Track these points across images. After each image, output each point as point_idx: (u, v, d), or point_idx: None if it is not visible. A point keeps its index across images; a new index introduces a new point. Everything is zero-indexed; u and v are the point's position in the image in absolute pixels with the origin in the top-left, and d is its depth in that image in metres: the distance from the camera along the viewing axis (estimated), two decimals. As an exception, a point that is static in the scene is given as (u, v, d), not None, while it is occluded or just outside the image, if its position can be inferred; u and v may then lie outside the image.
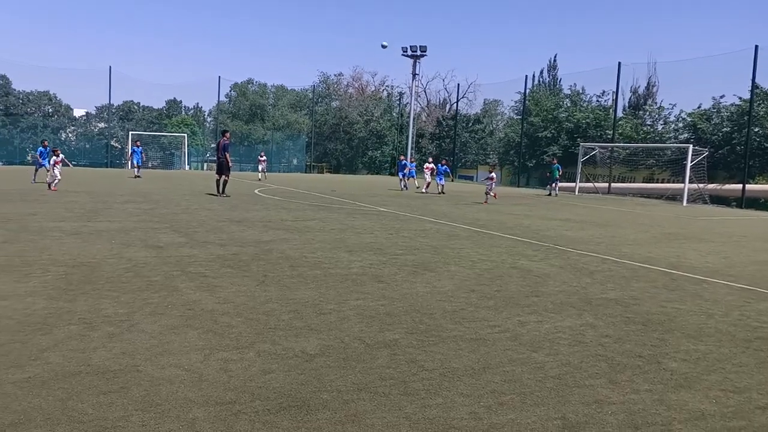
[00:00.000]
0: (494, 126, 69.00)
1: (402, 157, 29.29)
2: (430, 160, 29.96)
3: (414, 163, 28.93)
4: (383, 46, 45.61)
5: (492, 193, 22.92)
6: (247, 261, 8.13)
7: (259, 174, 32.23)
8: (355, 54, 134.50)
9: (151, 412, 3.42)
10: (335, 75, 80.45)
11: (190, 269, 7.40)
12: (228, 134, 21.19)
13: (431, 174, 28.13)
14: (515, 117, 59.77)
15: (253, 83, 79.07)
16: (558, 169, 30.14)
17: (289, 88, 79.83)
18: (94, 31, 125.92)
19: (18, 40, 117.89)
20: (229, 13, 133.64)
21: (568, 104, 50.83)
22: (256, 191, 23.28)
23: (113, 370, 4.02)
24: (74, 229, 10.50)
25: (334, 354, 4.53)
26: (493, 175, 23.75)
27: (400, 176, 29.89)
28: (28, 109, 65.65)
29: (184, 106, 78.16)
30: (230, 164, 20.25)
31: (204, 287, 6.48)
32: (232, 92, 75.10)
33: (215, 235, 10.43)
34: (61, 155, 21.58)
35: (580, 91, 51.26)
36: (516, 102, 58.84)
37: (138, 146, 31.79)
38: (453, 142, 57.00)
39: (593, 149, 36.82)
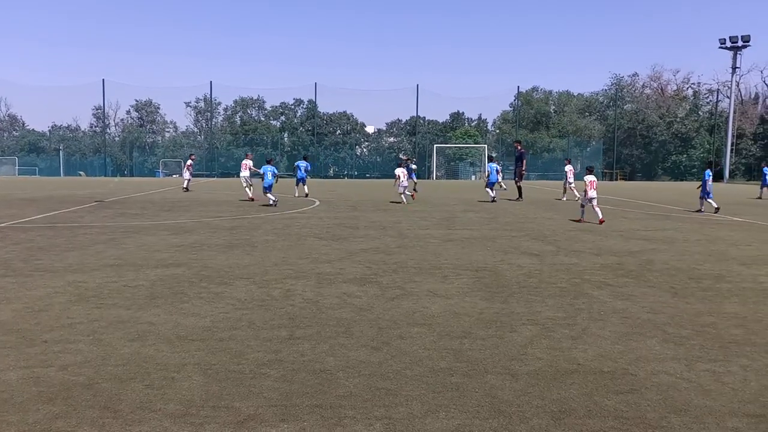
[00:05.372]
0: None
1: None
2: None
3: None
4: None
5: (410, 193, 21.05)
6: (638, 271, 8.04)
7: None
8: (652, 52, 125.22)
9: (686, 416, 3.56)
10: (629, 76, 75.72)
11: (587, 277, 7.62)
12: (518, 144, 24.42)
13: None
14: None
15: (537, 90, 78.89)
16: None
17: (575, 94, 77.75)
18: (403, 51, 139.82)
19: (324, 67, 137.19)
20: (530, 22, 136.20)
21: None
22: (561, 199, 23.06)
23: (606, 371, 4.30)
24: (444, 236, 11.63)
25: (835, 377, 4.19)
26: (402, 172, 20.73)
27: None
28: (330, 129, 75.21)
29: (467, 118, 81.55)
30: (523, 172, 23.15)
31: (619, 296, 6.59)
32: (516, 101, 75.93)
33: (579, 244, 10.58)
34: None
35: None
36: None
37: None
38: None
39: None
